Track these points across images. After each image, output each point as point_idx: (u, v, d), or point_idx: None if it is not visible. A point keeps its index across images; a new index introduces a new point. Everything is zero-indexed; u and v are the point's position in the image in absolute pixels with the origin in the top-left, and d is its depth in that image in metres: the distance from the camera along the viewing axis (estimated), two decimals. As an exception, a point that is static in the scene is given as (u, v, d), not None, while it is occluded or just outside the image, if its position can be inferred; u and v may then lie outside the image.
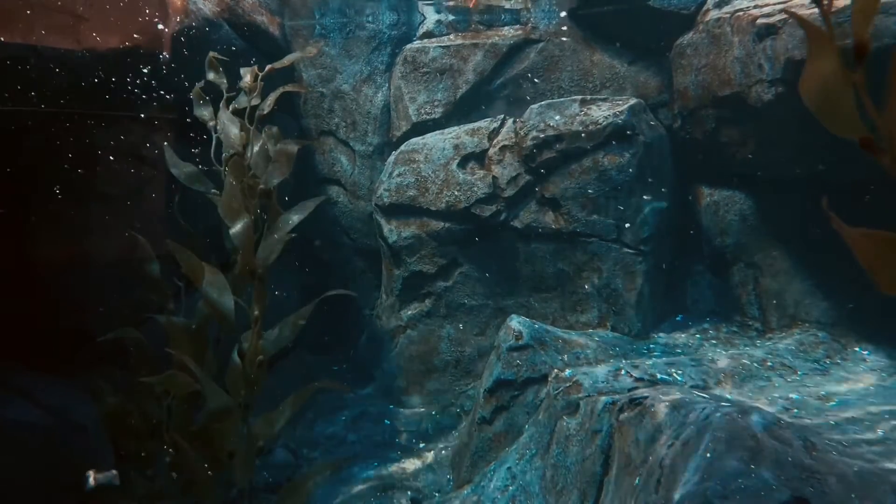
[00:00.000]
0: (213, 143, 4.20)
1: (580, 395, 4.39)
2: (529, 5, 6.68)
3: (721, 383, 4.55)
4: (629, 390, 4.25)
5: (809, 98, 0.98)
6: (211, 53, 4.36)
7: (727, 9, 5.56)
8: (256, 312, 3.94)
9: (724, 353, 5.18)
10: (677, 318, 6.05)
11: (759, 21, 4.99)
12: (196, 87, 4.32)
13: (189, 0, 4.79)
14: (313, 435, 5.78)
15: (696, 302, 6.13)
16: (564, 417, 4.35)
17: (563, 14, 6.69)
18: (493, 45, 6.67)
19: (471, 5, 5.27)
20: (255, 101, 4.31)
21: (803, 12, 4.69)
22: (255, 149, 4.19)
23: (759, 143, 5.45)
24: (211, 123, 4.26)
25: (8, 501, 3.29)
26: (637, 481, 3.43)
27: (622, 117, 5.71)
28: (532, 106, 6.04)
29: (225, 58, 4.42)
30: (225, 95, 4.29)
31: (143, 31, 4.41)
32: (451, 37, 6.89)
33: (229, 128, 4.16)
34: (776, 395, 4.36)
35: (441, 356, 6.06)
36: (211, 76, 4.33)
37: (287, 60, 4.58)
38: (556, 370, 4.81)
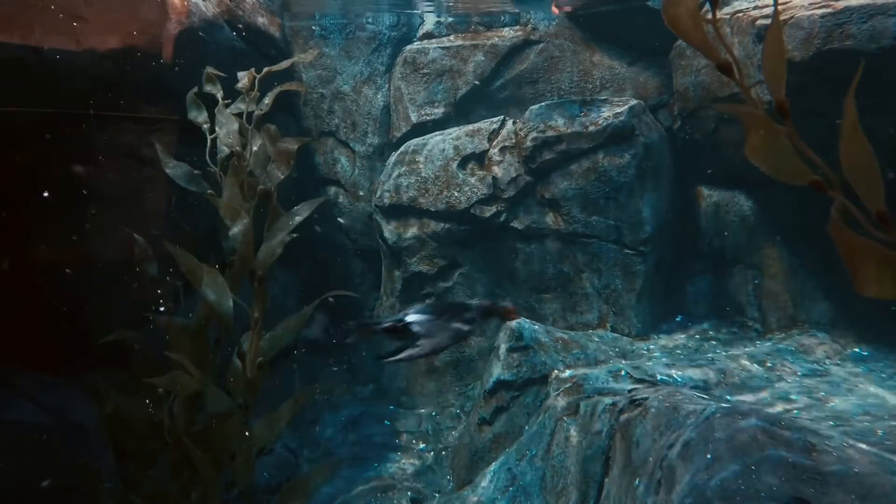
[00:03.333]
0: (208, 143, 4.20)
1: (580, 396, 4.39)
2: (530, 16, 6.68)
3: (721, 384, 4.55)
4: (629, 391, 4.25)
5: (759, 161, 1.10)
6: (207, 69, 4.36)
7: (727, 10, 5.56)
8: (256, 314, 3.93)
9: (723, 353, 5.18)
10: (677, 319, 6.05)
11: (759, 22, 5.00)
12: (190, 93, 4.31)
13: (189, 1, 4.79)
14: (313, 435, 5.78)
15: (695, 302, 6.14)
16: (564, 418, 4.35)
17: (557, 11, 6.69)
18: (492, 45, 6.68)
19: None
20: (253, 103, 4.31)
21: (802, 13, 4.70)
22: (254, 149, 4.19)
23: (759, 144, 5.46)
24: (205, 126, 4.26)
25: (8, 501, 3.29)
26: (637, 482, 3.43)
27: (622, 118, 5.72)
28: (532, 107, 6.04)
29: (222, 70, 4.41)
30: (220, 102, 4.28)
31: (143, 31, 4.40)
32: (451, 38, 6.90)
33: (227, 128, 4.16)
34: (776, 395, 4.36)
35: (441, 357, 6.06)
36: (208, 88, 4.33)
37: (285, 64, 4.58)
38: (556, 371, 4.82)
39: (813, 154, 1.06)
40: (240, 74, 4.35)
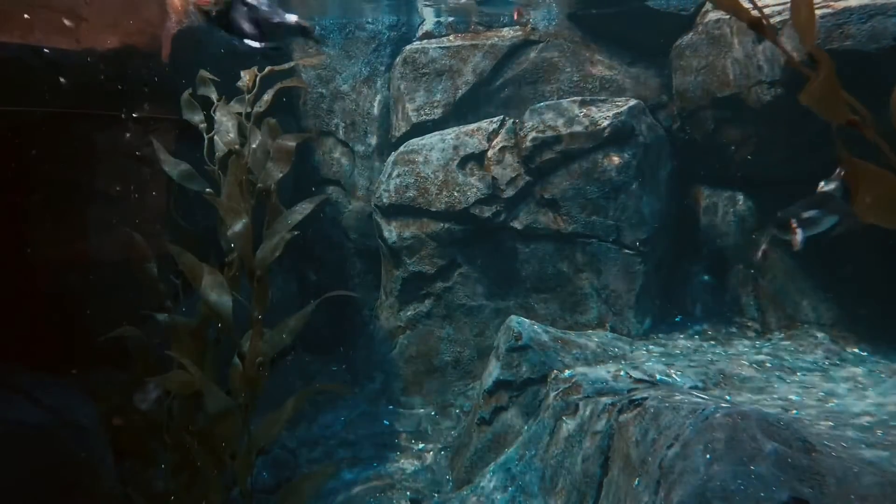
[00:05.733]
0: (206, 142, 4.20)
1: (580, 396, 4.39)
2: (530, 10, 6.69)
3: (720, 384, 4.55)
4: (628, 391, 4.25)
5: (810, 99, 1.26)
6: (201, 72, 4.36)
7: (726, 10, 5.56)
8: (256, 313, 3.93)
9: (723, 354, 5.18)
10: (676, 319, 6.05)
11: (759, 22, 5.00)
12: (185, 94, 4.31)
13: (189, 1, 4.79)
14: (313, 435, 5.78)
15: (695, 303, 6.14)
16: (564, 418, 4.35)
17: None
18: (492, 45, 6.67)
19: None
20: (252, 101, 4.31)
21: (802, 14, 4.70)
22: (254, 146, 4.18)
23: (759, 144, 5.46)
24: (202, 126, 4.26)
25: (8, 501, 3.29)
26: (637, 482, 3.43)
27: (622, 118, 5.72)
28: (532, 107, 6.04)
29: (222, 70, 4.42)
30: (221, 100, 4.28)
31: (142, 31, 4.40)
32: (451, 38, 6.89)
33: (226, 126, 4.16)
34: (775, 395, 4.37)
35: (440, 357, 6.06)
36: (201, 90, 4.33)
37: (288, 65, 4.59)
38: (555, 371, 4.82)
39: (851, 97, 1.19)
40: (242, 73, 4.35)
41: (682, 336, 5.74)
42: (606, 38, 6.61)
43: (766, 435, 3.04)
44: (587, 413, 4.20)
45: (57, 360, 3.83)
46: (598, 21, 6.56)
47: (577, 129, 5.74)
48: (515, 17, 6.59)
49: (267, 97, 4.31)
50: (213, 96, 4.30)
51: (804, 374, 4.77)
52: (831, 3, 4.66)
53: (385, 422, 5.97)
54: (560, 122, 5.80)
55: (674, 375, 4.60)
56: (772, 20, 4.89)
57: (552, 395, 4.58)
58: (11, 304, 3.70)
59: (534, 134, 5.82)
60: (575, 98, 6.05)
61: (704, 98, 5.69)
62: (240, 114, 4.27)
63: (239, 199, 4.04)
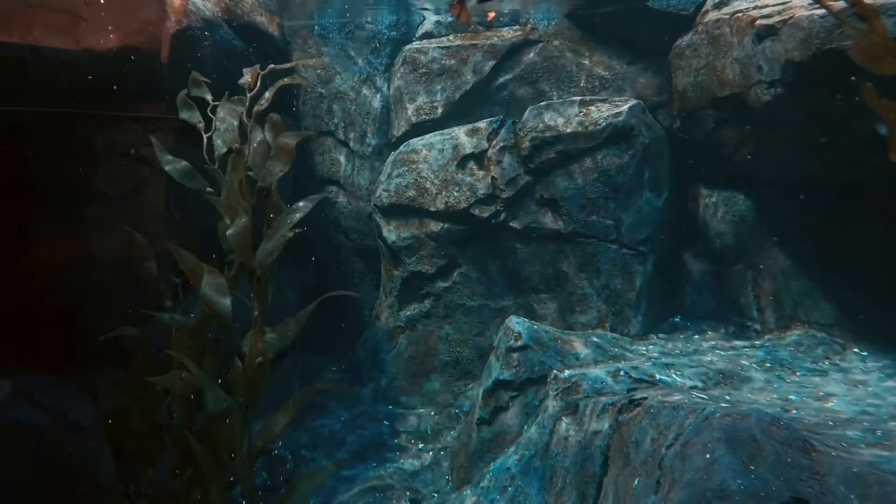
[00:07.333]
0: (206, 141, 4.20)
1: (579, 396, 4.39)
2: (530, 9, 6.69)
3: (720, 384, 4.56)
4: (628, 391, 4.25)
5: (860, 55, 1.35)
6: (193, 74, 4.35)
7: (726, 10, 5.56)
8: (256, 313, 3.93)
9: (722, 353, 5.18)
10: (676, 319, 6.05)
11: (759, 22, 5.00)
12: (181, 93, 4.31)
13: (188, 0, 4.79)
14: (313, 435, 5.78)
15: (694, 303, 6.14)
16: (563, 418, 4.35)
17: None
18: (492, 45, 6.68)
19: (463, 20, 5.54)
20: (254, 100, 4.31)
21: (802, 13, 4.70)
22: (254, 145, 4.18)
23: (758, 144, 5.46)
24: (200, 125, 4.25)
25: (8, 502, 3.29)
26: (636, 482, 3.43)
27: (621, 118, 5.71)
28: (531, 107, 6.04)
29: (221, 69, 4.41)
30: (223, 98, 4.28)
31: (142, 31, 4.40)
32: (451, 37, 6.89)
33: (226, 125, 4.16)
34: (775, 395, 4.37)
35: (440, 357, 6.06)
36: (194, 92, 4.32)
37: (289, 65, 4.59)
38: (554, 371, 4.81)
39: None
40: (244, 71, 4.34)
41: (682, 336, 5.74)
42: (606, 38, 6.61)
43: (766, 435, 3.04)
44: (587, 413, 4.20)
45: (57, 360, 3.83)
46: (598, 21, 6.56)
47: (577, 128, 5.74)
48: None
49: (268, 95, 4.30)
50: (208, 97, 4.29)
51: (804, 374, 4.77)
52: (831, 3, 4.65)
53: (385, 422, 5.97)
54: (560, 121, 5.80)
55: (674, 375, 4.60)
56: (771, 20, 4.90)
57: (552, 394, 4.58)
58: (11, 305, 3.70)
59: (533, 134, 5.82)
60: (574, 98, 6.05)
61: (704, 98, 5.69)
62: (240, 112, 4.26)
63: (239, 198, 4.03)
